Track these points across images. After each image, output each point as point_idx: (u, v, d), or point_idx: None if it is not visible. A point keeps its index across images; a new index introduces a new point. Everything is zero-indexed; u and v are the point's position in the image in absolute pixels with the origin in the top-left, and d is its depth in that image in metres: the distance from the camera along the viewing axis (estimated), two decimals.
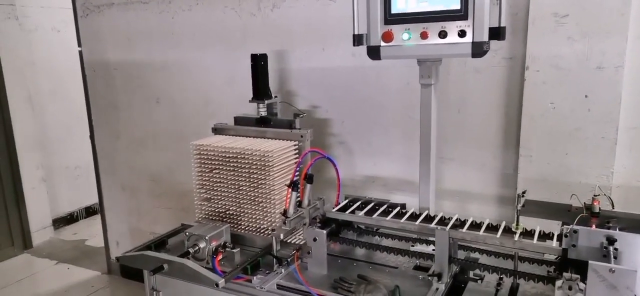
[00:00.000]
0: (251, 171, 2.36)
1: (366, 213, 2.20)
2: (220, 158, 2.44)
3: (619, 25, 2.14)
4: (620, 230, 1.66)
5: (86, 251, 4.95)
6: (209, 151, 2.46)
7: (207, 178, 2.50)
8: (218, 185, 2.47)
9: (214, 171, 2.47)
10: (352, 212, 2.24)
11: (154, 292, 2.35)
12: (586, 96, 2.25)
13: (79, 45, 3.86)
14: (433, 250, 2.00)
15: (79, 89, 4.01)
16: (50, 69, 5.29)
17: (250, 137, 2.61)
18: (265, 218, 2.37)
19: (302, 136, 2.49)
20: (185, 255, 2.17)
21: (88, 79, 3.91)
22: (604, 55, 2.18)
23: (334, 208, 2.29)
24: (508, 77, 2.45)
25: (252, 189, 2.37)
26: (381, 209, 2.22)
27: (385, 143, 2.83)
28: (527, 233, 1.90)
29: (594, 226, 1.72)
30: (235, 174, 2.41)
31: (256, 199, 2.37)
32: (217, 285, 1.98)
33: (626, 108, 2.22)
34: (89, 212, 5.84)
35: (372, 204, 2.28)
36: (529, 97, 2.37)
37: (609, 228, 1.69)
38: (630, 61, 2.17)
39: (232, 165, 2.41)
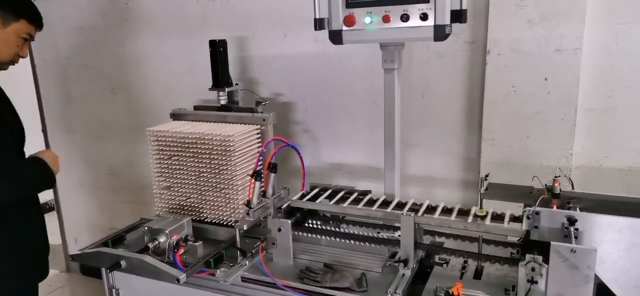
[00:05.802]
0: (212, 157, 2.28)
1: (332, 201, 2.17)
2: (179, 144, 2.35)
3: (577, 8, 2.16)
4: (580, 210, 1.68)
5: None
6: (168, 137, 2.36)
7: (166, 166, 2.41)
8: (178, 172, 2.39)
9: (173, 158, 2.39)
10: (318, 200, 2.20)
11: (113, 290, 2.27)
12: (546, 79, 2.28)
13: None
14: (399, 236, 1.99)
15: (30, 81, 3.80)
16: None
17: (210, 122, 2.52)
18: (228, 206, 2.30)
19: (264, 119, 2.42)
20: (145, 250, 2.08)
21: (38, 70, 3.71)
22: (562, 38, 2.21)
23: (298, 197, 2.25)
24: (470, 61, 2.45)
25: (213, 176, 2.30)
26: (347, 196, 2.20)
27: (350, 130, 2.80)
28: (491, 216, 1.91)
29: (555, 207, 1.74)
30: (196, 160, 2.33)
31: (218, 186, 2.30)
32: (178, 280, 1.91)
33: (584, 90, 2.26)
34: (45, 208, 5.57)
35: (338, 192, 2.25)
36: (491, 80, 2.38)
37: (569, 208, 1.72)
38: (588, 43, 2.20)
39: (192, 151, 2.32)
